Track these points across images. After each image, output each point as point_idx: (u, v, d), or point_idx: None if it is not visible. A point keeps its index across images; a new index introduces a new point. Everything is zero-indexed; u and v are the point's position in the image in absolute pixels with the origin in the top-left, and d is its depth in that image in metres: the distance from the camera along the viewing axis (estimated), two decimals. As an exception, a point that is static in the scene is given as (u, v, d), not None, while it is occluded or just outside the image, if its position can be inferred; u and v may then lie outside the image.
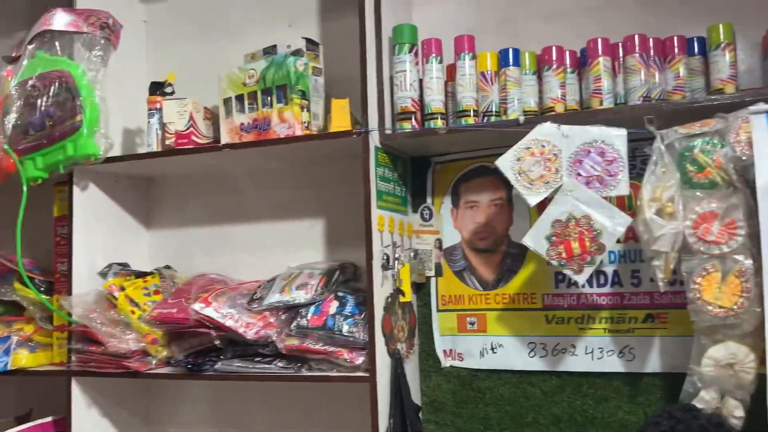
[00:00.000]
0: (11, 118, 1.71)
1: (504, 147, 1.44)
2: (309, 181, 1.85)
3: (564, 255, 1.38)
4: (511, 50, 1.54)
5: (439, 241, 1.71)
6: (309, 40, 1.68)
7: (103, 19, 1.76)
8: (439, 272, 1.71)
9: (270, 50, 1.70)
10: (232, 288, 1.74)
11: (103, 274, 1.83)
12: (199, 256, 1.97)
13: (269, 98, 1.65)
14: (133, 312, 1.70)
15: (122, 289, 1.74)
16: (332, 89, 1.73)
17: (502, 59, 1.54)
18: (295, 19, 1.90)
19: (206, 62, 1.97)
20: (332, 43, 1.78)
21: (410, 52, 1.57)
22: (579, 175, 1.38)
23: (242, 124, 1.69)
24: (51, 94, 1.68)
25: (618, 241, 1.52)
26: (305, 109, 1.64)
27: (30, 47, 1.77)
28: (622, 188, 1.37)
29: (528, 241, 1.40)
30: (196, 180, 1.99)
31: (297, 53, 1.64)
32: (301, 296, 1.61)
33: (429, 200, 1.73)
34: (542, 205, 1.42)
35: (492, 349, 1.65)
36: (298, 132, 1.62)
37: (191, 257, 1.97)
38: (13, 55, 1.83)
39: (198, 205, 1.99)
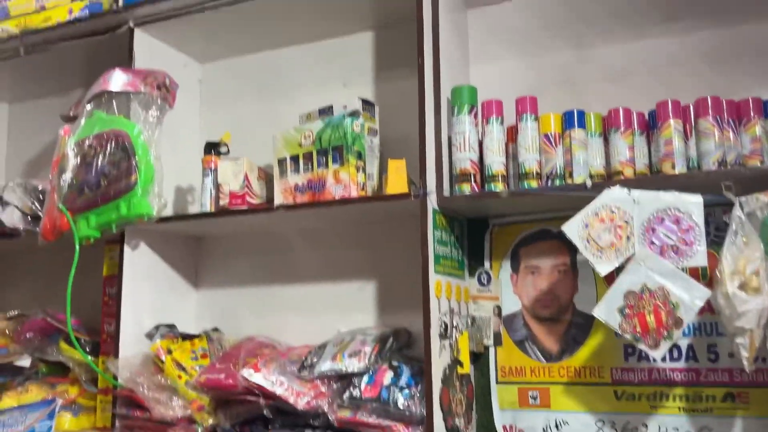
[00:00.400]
0: (67, 177, 1.73)
1: (567, 210, 1.40)
2: (361, 241, 1.83)
3: (639, 329, 1.30)
4: (575, 112, 1.50)
5: (498, 307, 1.66)
6: (365, 101, 1.68)
7: (160, 79, 1.79)
8: (498, 341, 1.65)
9: (326, 111, 1.70)
10: (282, 353, 1.70)
11: (150, 336, 1.80)
12: (246, 317, 1.95)
13: (325, 159, 1.65)
14: (180, 377, 1.67)
15: (169, 352, 1.72)
16: (387, 149, 1.72)
17: (567, 121, 1.51)
18: (350, 78, 1.91)
19: (260, 121, 2.00)
20: (387, 103, 1.78)
21: (470, 113, 1.56)
22: (652, 243, 1.32)
23: (297, 184, 1.68)
24: (107, 153, 1.70)
25: (693, 313, 1.44)
26: (361, 170, 1.63)
27: (88, 107, 1.80)
28: (700, 259, 1.30)
29: (599, 313, 1.34)
30: (245, 239, 1.99)
31: (354, 114, 1.64)
32: (353, 365, 1.56)
33: (487, 264, 1.69)
34: (610, 274, 1.36)
35: (556, 426, 1.56)
36: (354, 193, 1.60)
37: (239, 318, 1.95)
38: (71, 114, 1.88)
39: (247, 264, 1.98)
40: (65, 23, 1.96)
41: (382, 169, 1.68)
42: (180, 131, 1.97)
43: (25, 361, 1.89)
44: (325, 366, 1.58)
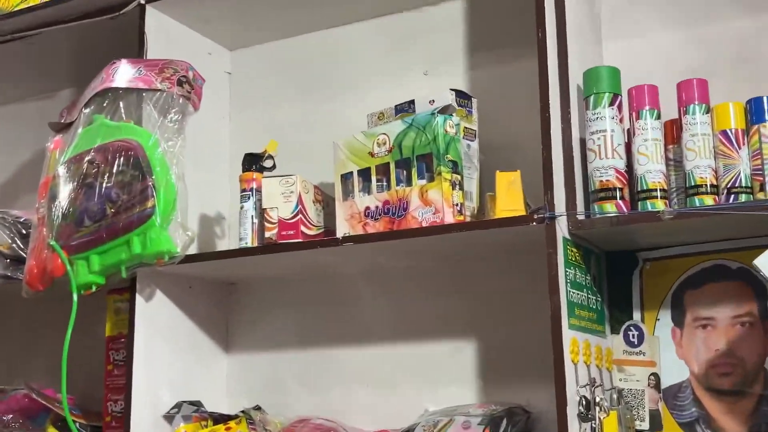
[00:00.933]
0: (61, 205, 1.71)
1: (757, 237, 1.34)
2: (457, 285, 1.77)
3: None
4: (765, 99, 1.41)
5: (656, 376, 1.56)
6: (459, 93, 1.63)
7: (181, 71, 1.77)
8: (657, 425, 1.55)
9: (406, 107, 1.66)
10: (352, 441, 1.64)
11: (170, 418, 1.77)
12: (295, 390, 1.91)
13: (406, 172, 1.59)
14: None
15: (199, 439, 1.67)
16: (487, 157, 1.68)
17: (754, 112, 1.42)
18: (433, 64, 1.87)
19: (308, 124, 1.98)
20: (485, 95, 1.73)
21: (612, 104, 1.48)
22: None
23: (368, 208, 1.62)
24: (114, 171, 1.67)
25: None
26: (457, 187, 1.56)
27: (86, 111, 1.79)
28: None
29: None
30: (290, 284, 1.95)
31: (445, 111, 1.58)
32: (454, 457, 1.48)
33: (637, 315, 1.61)
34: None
35: None
36: (450, 218, 1.53)
37: (285, 392, 1.91)
38: (63, 120, 1.87)
39: (294, 318, 1.95)
40: (50, 2, 1.96)
41: (484, 185, 1.63)
42: (203, 139, 1.95)
43: (5, 452, 1.87)
44: (417, 459, 1.51)
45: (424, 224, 1.55)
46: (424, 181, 1.57)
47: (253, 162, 1.76)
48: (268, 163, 1.77)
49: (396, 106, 1.67)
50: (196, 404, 1.81)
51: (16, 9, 2.00)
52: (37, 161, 2.27)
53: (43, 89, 2.31)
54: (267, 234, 1.69)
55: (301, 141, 1.92)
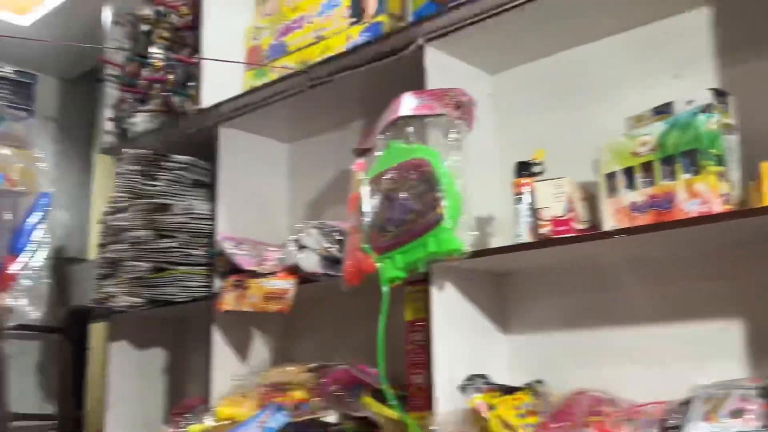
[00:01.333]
0: (368, 215, 1.77)
1: None
2: (722, 270, 1.62)
3: None
4: None
5: None
6: (717, 91, 1.50)
7: (457, 97, 1.77)
8: None
9: (664, 109, 1.55)
10: (629, 412, 1.55)
11: (464, 389, 1.76)
12: (568, 367, 1.82)
13: (671, 168, 1.48)
14: (507, 438, 1.59)
15: (492, 408, 1.65)
16: (745, 149, 1.53)
17: None
18: (682, 67, 1.73)
19: (564, 133, 1.89)
20: (736, 92, 1.57)
21: None
22: None
23: (634, 203, 1.53)
24: (410, 185, 1.70)
25: None
26: (723, 178, 1.43)
27: (381, 137, 1.84)
28: None
29: None
30: (556, 274, 1.88)
31: (707, 109, 1.46)
32: (737, 427, 1.35)
33: None
34: None
35: None
36: (717, 208, 1.41)
37: (559, 369, 1.83)
38: (363, 146, 1.94)
39: (561, 304, 1.87)
40: (346, 52, 2.05)
41: (747, 176, 1.48)
42: (472, 152, 1.93)
43: (331, 417, 1.95)
44: (699, 428, 1.39)
45: (692, 215, 1.44)
46: (690, 175, 1.45)
47: (524, 168, 1.72)
48: (537, 169, 1.73)
49: (654, 108, 1.57)
50: (484, 378, 1.80)
51: (317, 61, 2.12)
52: (334, 181, 2.41)
53: (337, 123, 2.39)
54: (541, 230, 1.64)
55: (558, 147, 1.84)
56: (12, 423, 2.68)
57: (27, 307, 1.56)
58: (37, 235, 1.61)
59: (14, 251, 1.61)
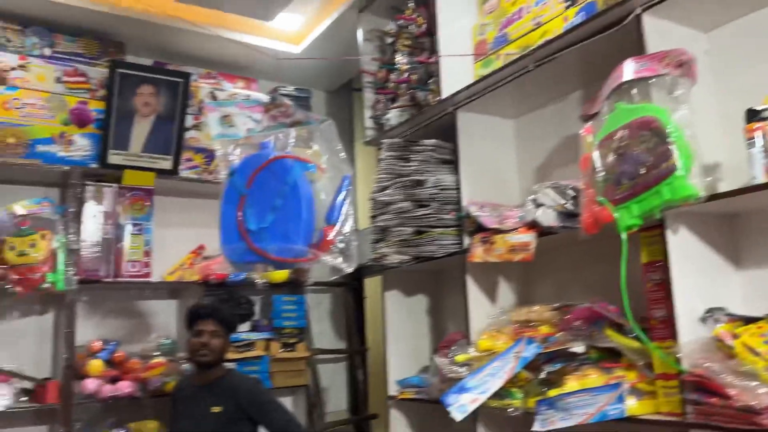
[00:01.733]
0: (600, 172, 1.71)
1: None
2: None
3: None
4: None
5: None
6: None
7: (678, 56, 1.65)
8: None
9: None
10: None
11: (704, 320, 1.65)
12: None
13: None
14: (755, 362, 1.46)
15: (735, 336, 1.53)
16: None
17: None
18: None
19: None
20: None
21: None
22: None
23: None
24: (640, 141, 1.62)
25: None
26: None
27: (607, 102, 1.76)
28: None
29: None
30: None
31: None
32: None
33: None
34: None
35: None
36: None
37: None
38: (588, 113, 1.87)
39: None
40: (564, 33, 1.97)
41: None
42: (694, 106, 1.77)
43: (579, 348, 1.92)
44: None
45: None
46: None
47: (754, 115, 1.55)
48: (766, 114, 1.55)
49: None
50: (723, 310, 1.67)
51: (539, 44, 2.07)
52: (560, 146, 2.35)
53: (556, 96, 2.32)
54: (779, 170, 1.48)
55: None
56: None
57: (342, 264, 1.74)
58: (344, 209, 1.78)
59: (330, 222, 1.80)
